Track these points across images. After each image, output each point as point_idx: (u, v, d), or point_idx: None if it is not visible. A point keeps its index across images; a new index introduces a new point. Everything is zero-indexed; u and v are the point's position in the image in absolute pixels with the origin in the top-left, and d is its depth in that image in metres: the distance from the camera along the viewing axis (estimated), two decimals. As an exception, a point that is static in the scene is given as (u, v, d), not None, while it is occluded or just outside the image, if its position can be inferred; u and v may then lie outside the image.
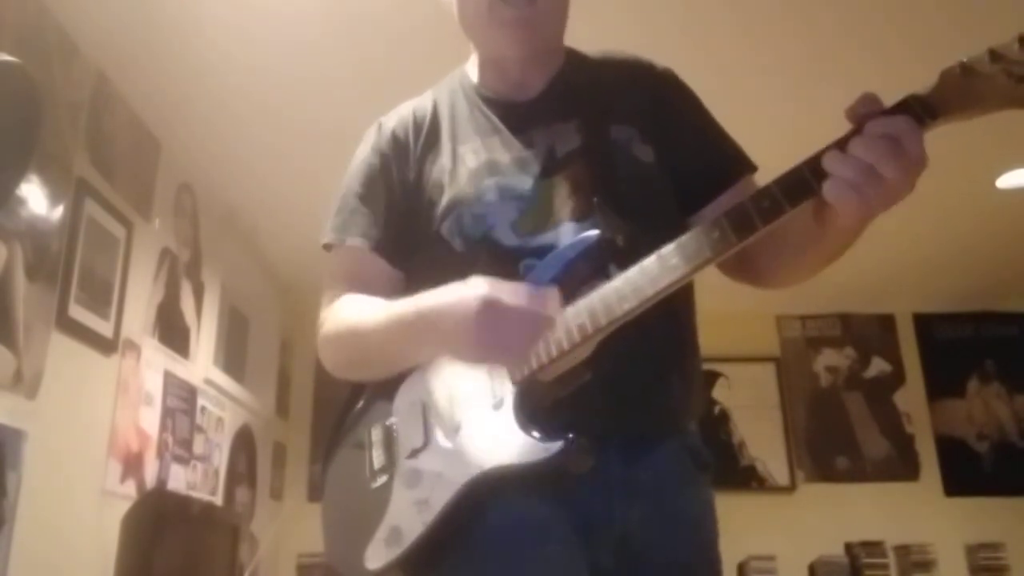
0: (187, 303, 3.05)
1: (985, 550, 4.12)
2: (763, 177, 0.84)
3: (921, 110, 0.77)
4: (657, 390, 1.03)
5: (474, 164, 1.09)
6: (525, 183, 1.05)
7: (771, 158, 1.07)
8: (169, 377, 2.82)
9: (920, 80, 0.78)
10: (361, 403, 1.11)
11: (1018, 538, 4.14)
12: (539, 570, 0.92)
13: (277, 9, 2.25)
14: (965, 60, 0.75)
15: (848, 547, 4.09)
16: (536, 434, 0.90)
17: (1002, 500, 4.26)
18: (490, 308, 0.86)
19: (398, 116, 1.19)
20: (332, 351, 1.11)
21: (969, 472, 4.40)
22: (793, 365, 4.61)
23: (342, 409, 1.14)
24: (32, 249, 2.04)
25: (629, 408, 1.00)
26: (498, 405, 0.94)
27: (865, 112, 0.78)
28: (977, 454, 4.46)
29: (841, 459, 4.43)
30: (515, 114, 1.12)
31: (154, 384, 2.71)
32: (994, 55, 0.73)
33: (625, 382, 0.98)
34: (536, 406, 0.93)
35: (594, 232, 0.93)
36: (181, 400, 2.92)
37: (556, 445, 0.88)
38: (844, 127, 0.80)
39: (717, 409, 4.42)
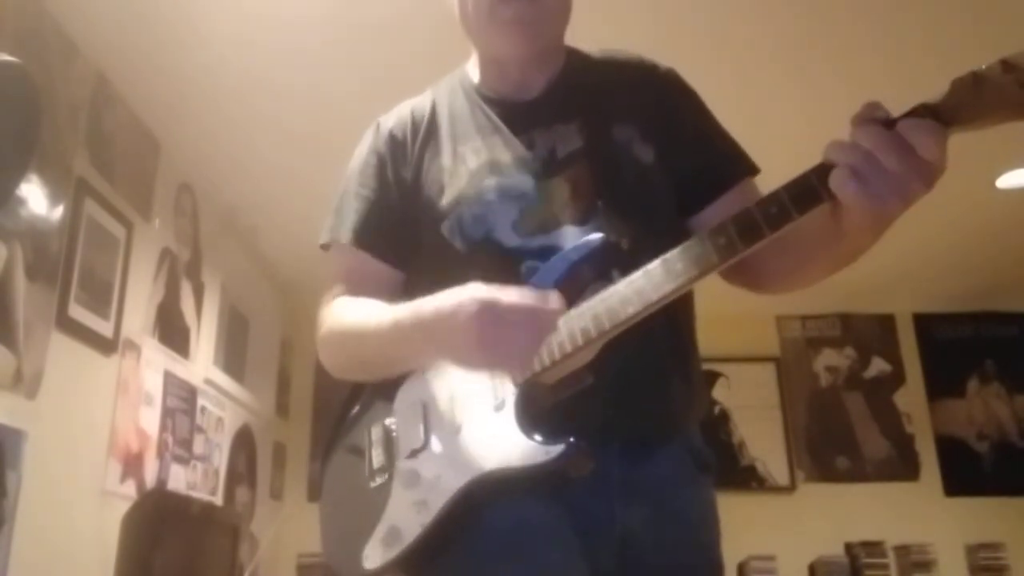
0: (187, 303, 3.05)
1: (985, 550, 4.11)
2: (776, 182, 0.83)
3: (931, 119, 0.76)
4: (659, 394, 1.03)
5: (475, 164, 1.08)
6: (526, 183, 1.05)
7: (785, 162, 1.05)
8: (169, 377, 2.82)
9: (935, 89, 0.78)
10: (361, 402, 1.11)
11: (1018, 538, 4.13)
12: (539, 572, 0.91)
13: (275, 12, 2.24)
14: (977, 70, 0.75)
15: (848, 547, 4.09)
16: (537, 437, 0.89)
17: (1002, 500, 4.25)
18: (491, 313, 0.85)
19: (396, 116, 1.18)
20: (330, 352, 1.11)
21: (969, 472, 4.40)
22: (793, 365, 4.61)
23: (341, 408, 1.14)
24: (32, 249, 2.03)
25: (631, 412, 0.99)
26: (499, 407, 0.94)
27: (870, 119, 0.78)
28: (977, 454, 4.45)
29: (841, 459, 4.42)
30: (516, 114, 1.12)
31: (154, 384, 2.71)
32: (1007, 65, 0.72)
33: (627, 386, 0.98)
34: (537, 408, 0.92)
35: (598, 235, 0.93)
36: (181, 400, 2.92)
37: (557, 448, 0.87)
38: None
39: (717, 409, 4.42)
